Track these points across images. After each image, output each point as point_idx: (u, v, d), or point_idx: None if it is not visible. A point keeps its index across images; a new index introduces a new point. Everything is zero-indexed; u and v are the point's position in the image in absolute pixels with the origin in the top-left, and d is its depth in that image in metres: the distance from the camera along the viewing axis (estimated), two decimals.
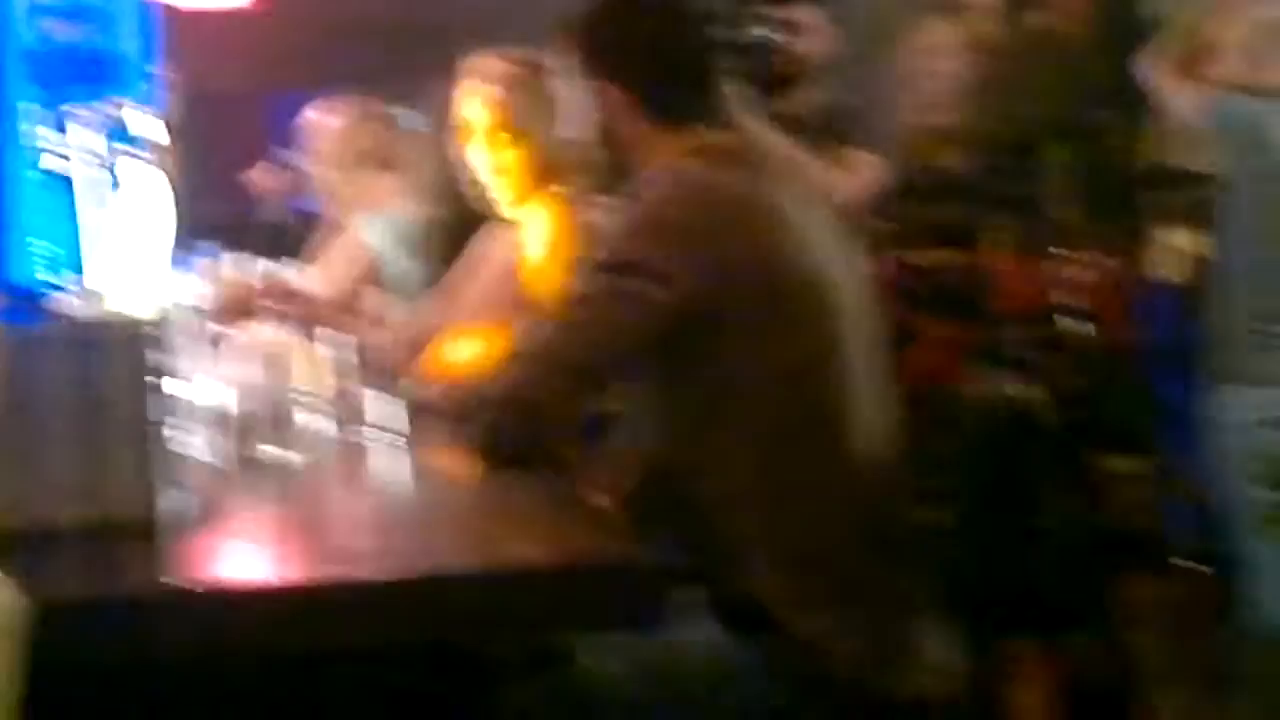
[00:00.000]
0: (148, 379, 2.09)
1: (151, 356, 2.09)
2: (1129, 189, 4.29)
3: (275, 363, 2.62)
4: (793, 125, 3.16)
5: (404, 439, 2.64)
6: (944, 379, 3.96)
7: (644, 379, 2.40)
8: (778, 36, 4.16)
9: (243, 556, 2.11)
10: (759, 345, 2.30)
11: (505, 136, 3.03)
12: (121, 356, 2.08)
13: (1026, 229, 4.22)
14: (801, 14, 4.23)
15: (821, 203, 2.49)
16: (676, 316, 2.29)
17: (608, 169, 2.53)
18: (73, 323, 2.15)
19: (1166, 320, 3.96)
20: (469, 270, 3.14)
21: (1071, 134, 4.38)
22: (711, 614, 2.28)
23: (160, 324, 2.12)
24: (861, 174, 4.08)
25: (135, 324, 2.11)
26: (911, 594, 2.39)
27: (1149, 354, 4.02)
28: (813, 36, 4.23)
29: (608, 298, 2.33)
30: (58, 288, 2.43)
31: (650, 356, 2.35)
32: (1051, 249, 4.16)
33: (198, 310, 2.91)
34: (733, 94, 2.50)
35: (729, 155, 2.39)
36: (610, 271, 2.34)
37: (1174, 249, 4.05)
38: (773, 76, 4.13)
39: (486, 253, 3.12)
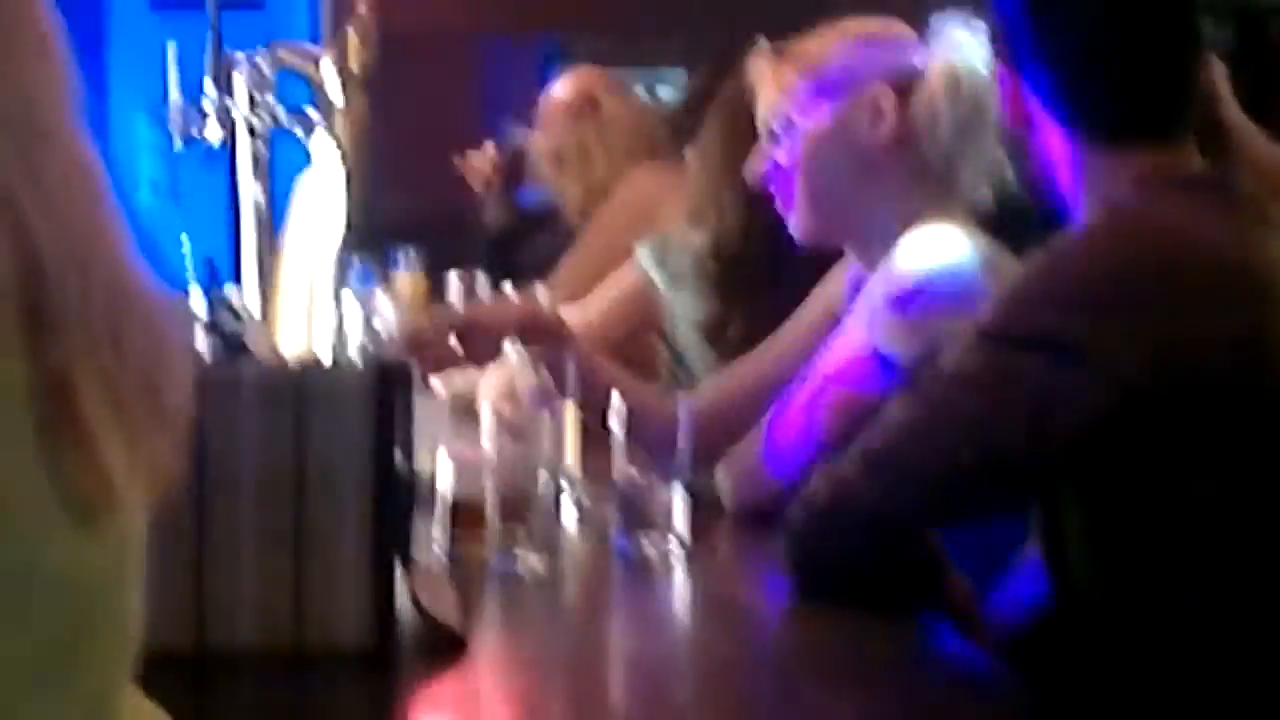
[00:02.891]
0: (373, 450, 1.53)
1: (379, 419, 1.53)
2: None
3: (517, 433, 1.88)
4: None
5: (687, 549, 1.95)
6: None
7: (1050, 493, 1.76)
8: None
9: (489, 707, 1.55)
10: (1231, 459, 1.65)
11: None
12: (343, 417, 1.52)
13: None
14: None
15: None
16: (1104, 411, 1.64)
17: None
18: (275, 368, 1.59)
19: None
20: (800, 323, 2.31)
21: None
22: None
23: (392, 376, 1.56)
24: None
25: (361, 375, 1.55)
26: None
27: None
28: None
29: (998, 379, 1.69)
30: (214, 306, 1.84)
31: (1060, 464, 1.70)
32: None
33: (392, 350, 2.25)
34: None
35: (1206, 191, 1.74)
36: (1004, 344, 1.71)
37: None
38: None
39: (826, 298, 2.28)
